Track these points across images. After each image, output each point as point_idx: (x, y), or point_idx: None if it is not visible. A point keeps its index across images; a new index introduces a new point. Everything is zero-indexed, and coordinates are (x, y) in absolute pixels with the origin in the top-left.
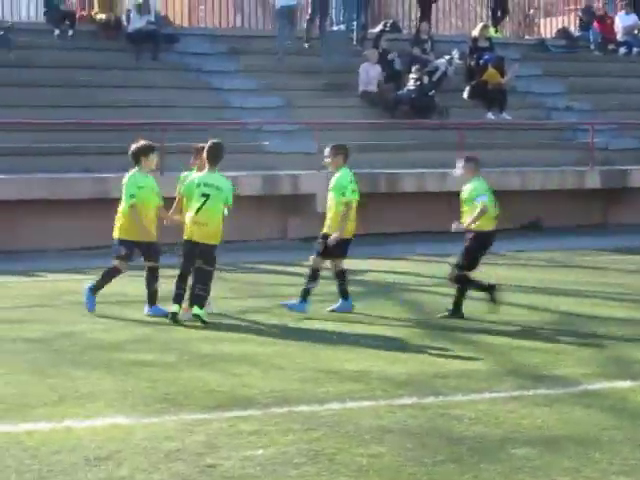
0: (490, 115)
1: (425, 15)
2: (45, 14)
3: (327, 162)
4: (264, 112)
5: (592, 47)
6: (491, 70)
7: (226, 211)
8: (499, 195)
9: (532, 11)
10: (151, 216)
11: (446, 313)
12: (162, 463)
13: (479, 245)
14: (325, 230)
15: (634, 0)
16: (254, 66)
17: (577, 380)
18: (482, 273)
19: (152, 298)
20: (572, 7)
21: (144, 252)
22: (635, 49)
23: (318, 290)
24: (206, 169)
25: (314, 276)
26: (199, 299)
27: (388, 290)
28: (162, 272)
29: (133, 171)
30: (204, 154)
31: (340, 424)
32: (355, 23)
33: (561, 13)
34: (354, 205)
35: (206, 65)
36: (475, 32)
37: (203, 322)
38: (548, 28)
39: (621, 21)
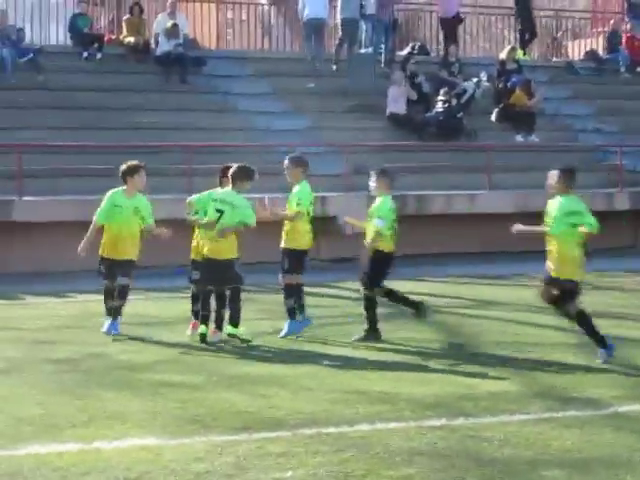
0: (519, 137)
1: (449, 39)
2: (72, 38)
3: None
4: (292, 134)
5: (621, 69)
6: (518, 92)
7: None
8: (527, 216)
9: (560, 34)
10: (129, 235)
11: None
12: None
13: (381, 265)
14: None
15: None
16: (282, 88)
17: (607, 402)
18: (512, 294)
19: (112, 311)
20: (600, 29)
21: (117, 269)
22: None
23: (345, 311)
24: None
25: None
26: (232, 318)
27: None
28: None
29: (116, 189)
30: (229, 175)
31: (369, 445)
32: (383, 46)
33: (589, 35)
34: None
35: (234, 88)
36: (503, 55)
37: (243, 341)
38: (576, 50)
39: None
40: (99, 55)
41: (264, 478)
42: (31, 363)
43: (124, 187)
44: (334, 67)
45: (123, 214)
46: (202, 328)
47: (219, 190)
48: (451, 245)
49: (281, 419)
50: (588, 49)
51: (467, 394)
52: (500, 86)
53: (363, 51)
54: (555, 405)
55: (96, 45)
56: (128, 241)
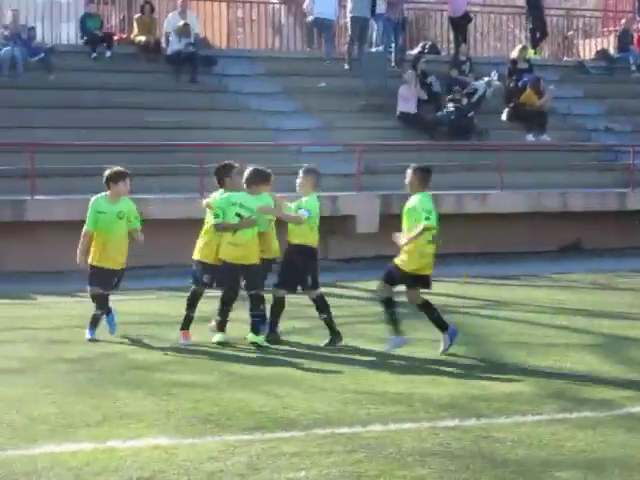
0: (530, 137)
1: (459, 38)
2: (82, 37)
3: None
4: (302, 133)
5: (632, 68)
6: (528, 91)
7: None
8: (539, 217)
9: (571, 33)
10: (117, 242)
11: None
12: None
13: (303, 259)
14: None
15: None
16: (292, 88)
17: (620, 403)
18: (524, 294)
19: (94, 321)
20: (611, 28)
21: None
22: None
23: (357, 312)
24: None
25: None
26: (252, 326)
27: None
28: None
29: (99, 195)
30: (244, 178)
31: (382, 446)
32: (393, 45)
33: (600, 34)
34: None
35: (244, 87)
36: (514, 54)
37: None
38: (587, 50)
39: None
40: (108, 53)
41: (277, 478)
42: (45, 363)
43: (107, 192)
44: (346, 66)
45: (107, 220)
46: (220, 336)
47: (235, 193)
48: (462, 245)
49: (294, 419)
50: (599, 48)
51: (480, 395)
52: (511, 85)
53: (374, 50)
54: (568, 406)
55: (105, 44)
56: (115, 247)
